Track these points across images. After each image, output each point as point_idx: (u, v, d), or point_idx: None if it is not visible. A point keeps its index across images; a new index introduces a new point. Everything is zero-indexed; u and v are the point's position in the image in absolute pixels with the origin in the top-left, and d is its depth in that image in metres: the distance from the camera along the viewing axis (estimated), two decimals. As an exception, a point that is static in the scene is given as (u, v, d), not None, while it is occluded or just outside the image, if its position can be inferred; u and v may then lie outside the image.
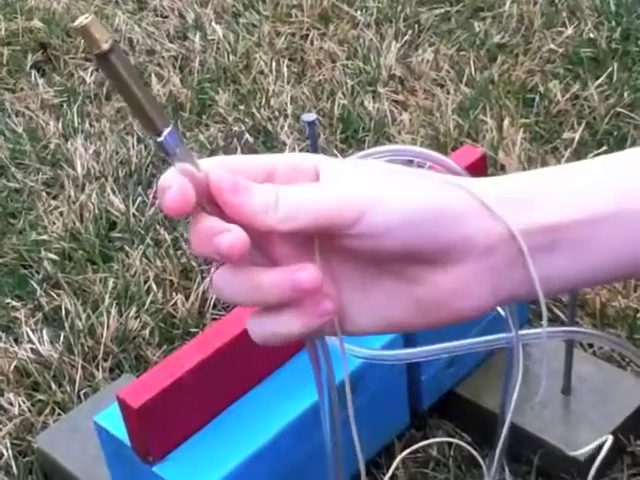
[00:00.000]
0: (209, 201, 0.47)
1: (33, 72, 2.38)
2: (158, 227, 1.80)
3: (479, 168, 1.34)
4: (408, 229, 0.46)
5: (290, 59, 2.32)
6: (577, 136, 1.88)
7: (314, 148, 1.42)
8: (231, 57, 2.34)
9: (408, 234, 0.47)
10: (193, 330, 1.58)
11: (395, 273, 0.48)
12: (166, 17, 2.58)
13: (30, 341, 1.58)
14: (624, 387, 1.33)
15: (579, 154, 1.85)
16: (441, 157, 0.62)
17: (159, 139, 0.46)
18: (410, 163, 0.60)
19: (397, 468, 1.30)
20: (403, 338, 1.21)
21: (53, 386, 1.50)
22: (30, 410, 1.47)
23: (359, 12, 2.46)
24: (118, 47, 0.43)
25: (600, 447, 1.25)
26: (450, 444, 1.34)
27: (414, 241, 0.47)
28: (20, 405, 1.48)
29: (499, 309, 1.07)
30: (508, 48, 2.25)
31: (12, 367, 1.53)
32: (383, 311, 0.49)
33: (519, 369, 1.07)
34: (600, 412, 1.28)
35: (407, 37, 2.32)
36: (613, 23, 2.26)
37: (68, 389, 1.49)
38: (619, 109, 1.95)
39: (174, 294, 1.64)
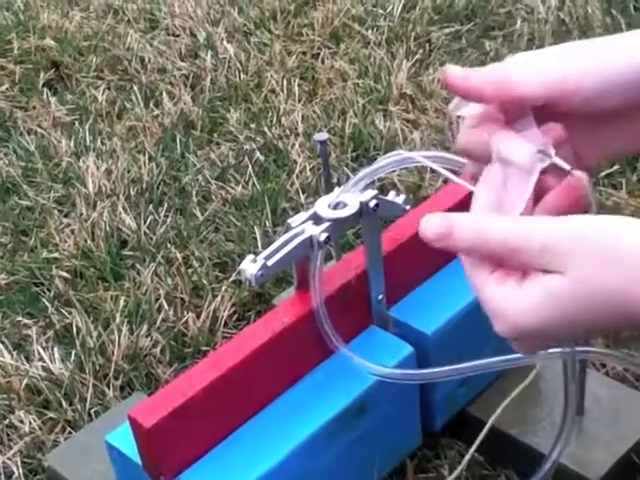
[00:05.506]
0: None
1: (45, 90, 2.39)
2: (169, 245, 1.81)
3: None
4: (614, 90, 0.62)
5: (301, 78, 2.33)
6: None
7: (325, 167, 1.42)
8: (242, 76, 2.35)
9: (615, 94, 0.62)
10: (204, 348, 1.58)
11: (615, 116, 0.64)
12: (177, 36, 2.60)
13: (41, 359, 1.58)
14: (638, 407, 1.33)
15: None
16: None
17: None
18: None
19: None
20: (416, 359, 1.21)
21: (64, 404, 1.49)
22: (41, 428, 1.47)
23: (370, 31, 2.47)
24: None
25: (614, 467, 1.24)
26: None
27: (622, 97, 0.62)
28: (31, 423, 1.48)
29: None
30: (519, 67, 2.25)
31: (23, 385, 1.53)
32: (608, 145, 0.66)
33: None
34: (614, 432, 1.27)
35: (418, 56, 2.33)
36: (624, 42, 2.26)
37: (79, 407, 1.48)
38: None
39: (185, 312, 1.64)
